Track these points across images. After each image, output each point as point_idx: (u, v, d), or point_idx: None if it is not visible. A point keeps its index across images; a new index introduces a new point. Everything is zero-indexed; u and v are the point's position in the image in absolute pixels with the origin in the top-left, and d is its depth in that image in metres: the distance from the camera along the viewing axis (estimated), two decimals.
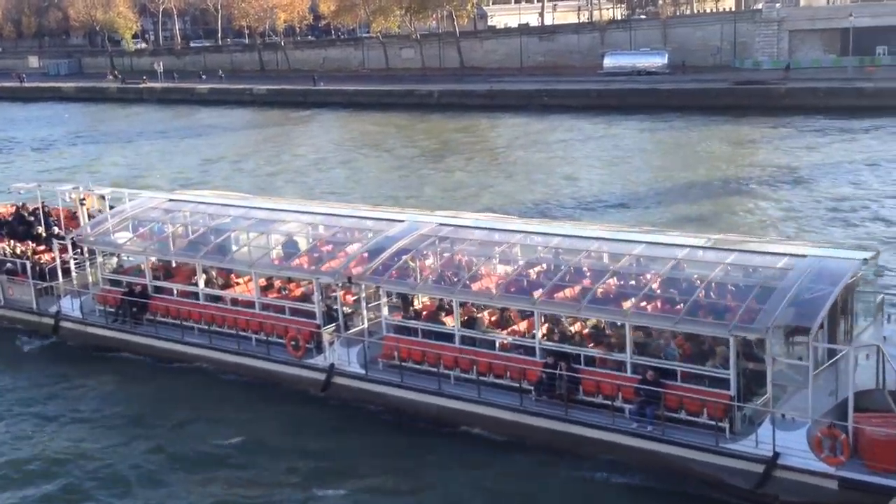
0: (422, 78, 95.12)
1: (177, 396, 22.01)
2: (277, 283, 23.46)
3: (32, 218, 31.43)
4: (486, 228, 22.72)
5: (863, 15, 79.60)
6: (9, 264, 27.83)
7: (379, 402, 20.16)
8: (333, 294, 21.55)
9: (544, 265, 20.66)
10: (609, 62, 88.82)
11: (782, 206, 39.19)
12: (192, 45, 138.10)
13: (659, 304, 18.04)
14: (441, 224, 22.52)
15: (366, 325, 21.34)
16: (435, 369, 19.53)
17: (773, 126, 60.72)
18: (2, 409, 21.95)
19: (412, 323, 20.64)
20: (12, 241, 29.18)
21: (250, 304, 23.05)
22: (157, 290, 24.84)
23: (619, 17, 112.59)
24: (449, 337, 19.85)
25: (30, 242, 29.20)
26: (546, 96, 77.95)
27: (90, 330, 25.56)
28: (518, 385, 18.33)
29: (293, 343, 21.54)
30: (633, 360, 17.48)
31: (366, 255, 21.71)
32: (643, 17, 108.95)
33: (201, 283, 23.95)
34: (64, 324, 26.05)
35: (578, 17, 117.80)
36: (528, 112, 73.96)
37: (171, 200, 27.57)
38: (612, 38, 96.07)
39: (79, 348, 25.32)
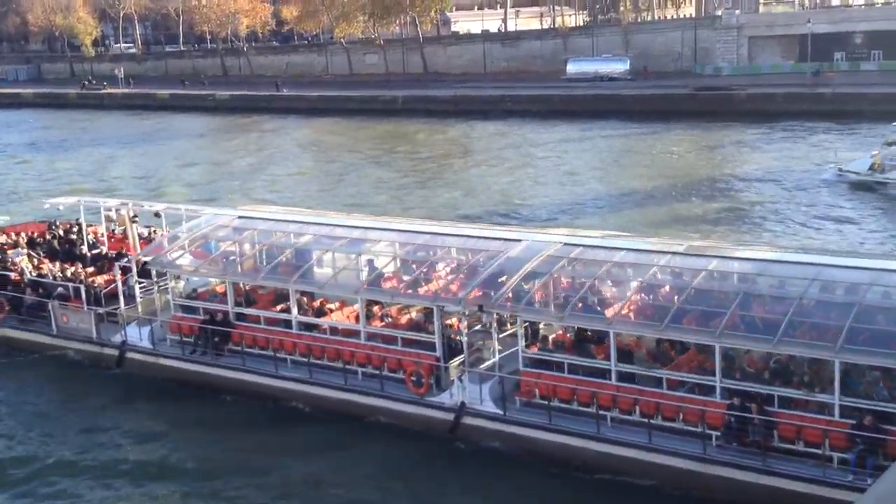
0: (385, 83, 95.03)
1: (281, 440, 19.09)
2: (376, 310, 21.30)
3: (73, 236, 29.09)
4: (622, 249, 20.23)
5: (820, 21, 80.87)
6: (60, 289, 24.96)
7: (519, 446, 17.87)
8: (447, 322, 19.71)
9: (692, 290, 18.09)
10: (572, 68, 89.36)
11: (736, 208, 39.62)
12: (152, 49, 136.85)
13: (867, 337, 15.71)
14: (568, 244, 20.11)
15: (496, 358, 19.02)
16: (589, 409, 17.34)
17: (733, 130, 61.48)
18: (69, 454, 18.93)
19: (560, 356, 18.37)
20: (58, 263, 26.63)
21: (352, 334, 20.68)
22: (239, 317, 22.26)
23: (582, 24, 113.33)
24: (602, 373, 17.72)
25: (79, 264, 26.64)
26: (510, 102, 78.19)
27: (163, 362, 22.83)
28: (698, 430, 16.06)
29: (414, 378, 19.18)
30: (841, 402, 15.28)
31: (490, 279, 19.46)
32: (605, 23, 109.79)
33: (295, 311, 21.39)
34: (131, 355, 23.24)
35: (541, 24, 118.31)
36: (491, 117, 74.13)
37: (240, 218, 24.98)
38: (575, 44, 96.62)
39: (149, 382, 22.54)
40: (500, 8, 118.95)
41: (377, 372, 19.66)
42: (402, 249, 22.17)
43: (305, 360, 20.54)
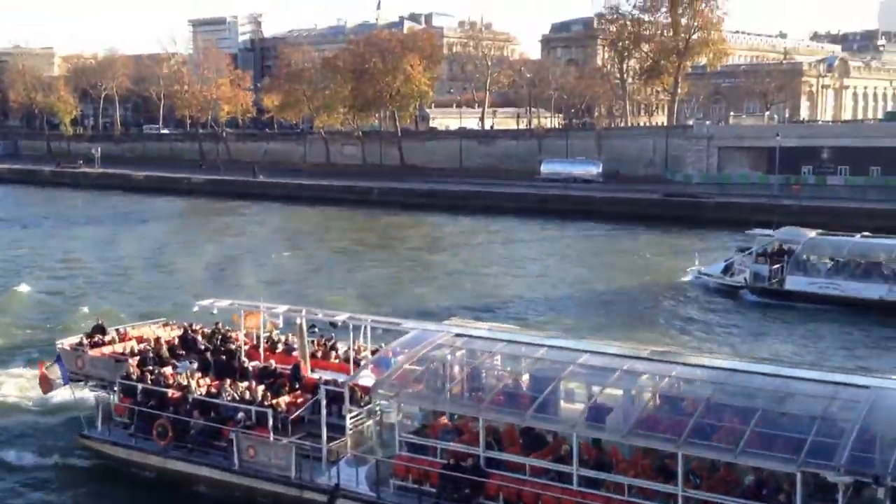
0: (362, 174, 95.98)
1: None
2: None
3: (220, 344, 25.67)
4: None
5: (788, 135, 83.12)
6: (241, 413, 20.71)
7: None
8: None
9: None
10: (546, 169, 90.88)
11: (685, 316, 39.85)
12: (131, 131, 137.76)
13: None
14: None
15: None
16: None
17: (698, 237, 62.15)
18: None
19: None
20: (227, 380, 22.33)
21: (648, 494, 16.56)
22: (490, 462, 17.99)
23: (557, 126, 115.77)
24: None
25: (248, 382, 22.47)
26: (484, 198, 79.13)
27: None
28: None
29: None
30: None
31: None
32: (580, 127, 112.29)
33: (576, 460, 17.06)
34: (344, 502, 19.06)
35: (517, 124, 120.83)
36: (466, 213, 74.84)
37: (459, 336, 20.70)
38: (550, 145, 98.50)
39: None
40: (478, 107, 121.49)
41: None
42: (694, 387, 18.46)
43: None
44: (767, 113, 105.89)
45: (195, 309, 26.18)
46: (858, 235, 42.48)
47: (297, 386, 22.33)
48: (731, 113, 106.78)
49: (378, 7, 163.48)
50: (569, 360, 18.84)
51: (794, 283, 41.03)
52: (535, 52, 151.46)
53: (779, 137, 79.77)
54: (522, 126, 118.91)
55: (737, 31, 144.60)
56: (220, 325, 26.67)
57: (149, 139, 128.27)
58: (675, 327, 37.17)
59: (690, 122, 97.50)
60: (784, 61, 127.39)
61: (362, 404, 20.25)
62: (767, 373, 18.30)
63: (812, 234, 43.01)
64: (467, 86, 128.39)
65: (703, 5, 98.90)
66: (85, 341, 26.80)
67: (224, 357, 24.48)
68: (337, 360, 24.36)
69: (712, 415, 16.88)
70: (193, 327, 27.24)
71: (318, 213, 77.68)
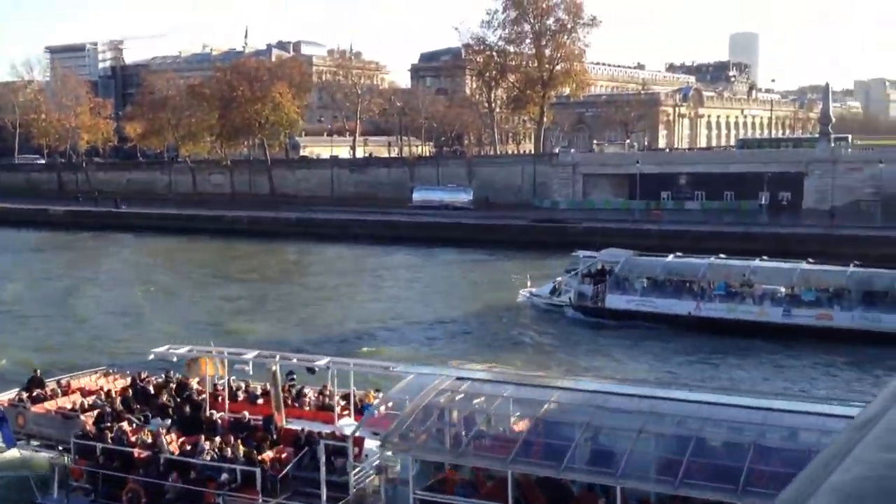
0: (232, 204, 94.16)
1: None
2: None
3: (169, 395, 23.51)
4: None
5: (648, 163, 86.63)
6: (225, 474, 18.91)
7: None
8: None
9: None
10: (418, 196, 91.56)
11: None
12: None
13: None
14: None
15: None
16: None
17: (564, 260, 63.61)
18: None
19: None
20: (202, 436, 20.21)
21: None
22: None
23: (428, 154, 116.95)
24: None
25: (231, 438, 20.37)
26: (356, 227, 78.95)
27: None
28: None
29: None
30: None
31: None
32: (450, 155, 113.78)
33: None
34: None
35: (389, 152, 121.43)
36: (337, 242, 74.44)
37: (459, 379, 19.33)
38: (421, 173, 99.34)
39: None
40: (350, 135, 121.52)
41: None
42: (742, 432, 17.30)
43: None
44: (628, 141, 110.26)
45: (150, 357, 23.62)
46: (671, 256, 44.87)
47: (275, 439, 20.60)
48: (595, 141, 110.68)
49: (245, 35, 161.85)
50: (588, 403, 17.64)
51: (612, 301, 43.18)
52: (404, 81, 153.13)
53: (639, 164, 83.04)
54: (394, 154, 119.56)
55: (598, 63, 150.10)
56: (171, 372, 24.56)
57: (2, 169, 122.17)
58: (503, 347, 38.32)
59: (556, 151, 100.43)
60: (642, 91, 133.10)
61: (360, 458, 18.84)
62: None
63: (630, 254, 45.49)
64: (338, 114, 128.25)
65: (566, 38, 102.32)
66: (24, 396, 24.05)
67: (188, 409, 22.37)
68: (308, 408, 22.69)
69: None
70: (142, 376, 25.10)
71: (185, 244, 75.65)
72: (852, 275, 39.87)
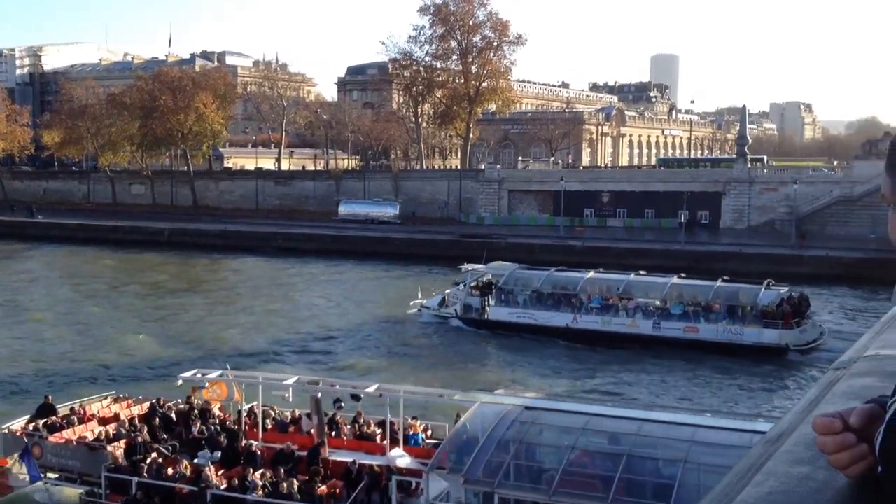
0: (153, 215, 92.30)
1: None
2: None
3: (213, 425, 21.95)
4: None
5: (572, 180, 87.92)
6: None
7: None
8: None
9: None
10: (344, 209, 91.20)
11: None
12: None
13: None
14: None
15: None
16: None
17: None
18: None
19: None
20: (249, 469, 18.94)
21: None
22: None
23: (354, 167, 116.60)
24: None
25: (281, 471, 19.01)
26: (280, 239, 78.19)
27: None
28: None
29: None
30: None
31: None
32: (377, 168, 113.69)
33: None
34: None
35: (315, 165, 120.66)
36: (261, 254, 73.54)
37: (528, 409, 18.47)
38: (347, 186, 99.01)
39: None
40: (275, 147, 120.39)
41: None
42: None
43: None
44: (552, 158, 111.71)
45: (179, 382, 22.49)
46: (553, 269, 46.43)
47: (325, 472, 19.49)
48: (520, 157, 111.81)
49: (169, 44, 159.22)
50: (671, 436, 17.05)
51: (495, 313, 44.56)
52: (331, 94, 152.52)
53: (563, 181, 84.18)
54: (320, 167, 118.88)
55: (524, 81, 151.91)
56: (192, 398, 23.28)
57: None
58: (391, 357, 39.31)
59: (482, 166, 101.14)
60: (567, 110, 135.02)
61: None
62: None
63: (516, 267, 46.99)
64: (263, 126, 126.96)
65: (492, 55, 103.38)
66: (39, 425, 22.29)
67: (223, 438, 20.91)
68: (345, 437, 21.60)
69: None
70: (161, 402, 23.65)
71: (103, 255, 73.77)
72: (718, 290, 41.71)
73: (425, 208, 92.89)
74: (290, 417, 22.55)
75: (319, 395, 20.40)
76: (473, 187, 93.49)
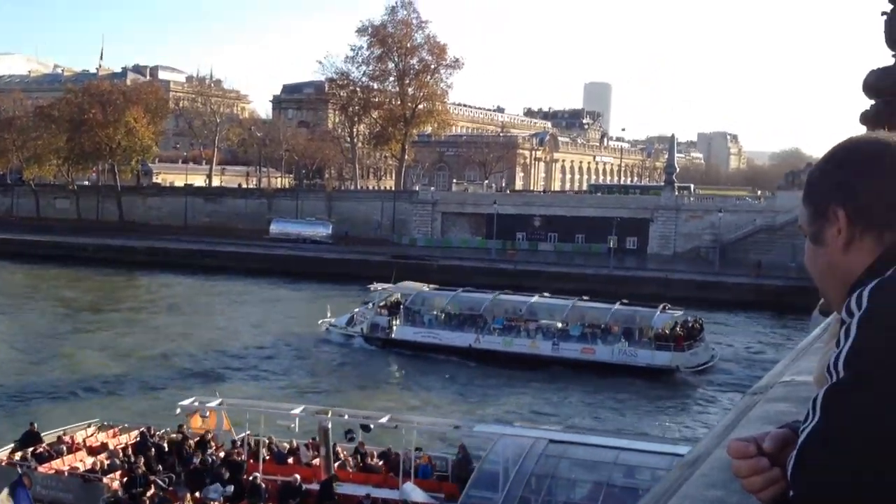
0: (78, 230, 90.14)
1: None
2: None
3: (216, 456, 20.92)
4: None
5: (505, 204, 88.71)
6: None
7: None
8: None
9: None
10: (276, 228, 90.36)
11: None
12: None
13: None
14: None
15: None
16: None
17: None
18: None
19: None
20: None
21: None
22: None
23: (287, 186, 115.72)
24: None
25: None
26: (208, 257, 77.06)
27: None
28: None
29: None
30: None
31: None
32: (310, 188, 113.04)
33: None
34: None
35: (247, 183, 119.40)
36: (188, 273, 72.30)
37: (553, 442, 18.23)
38: (280, 205, 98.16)
39: None
40: (206, 163, 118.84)
41: None
42: None
43: None
44: (486, 181, 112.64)
45: (177, 411, 21.75)
46: (460, 290, 47.27)
47: None
48: (454, 180, 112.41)
49: (101, 57, 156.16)
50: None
51: (401, 332, 45.15)
52: (266, 112, 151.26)
53: (496, 205, 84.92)
54: (252, 185, 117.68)
55: (459, 104, 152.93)
56: (184, 427, 22.55)
57: None
58: (296, 375, 39.45)
59: (416, 188, 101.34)
60: (501, 134, 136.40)
61: None
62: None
63: (424, 287, 47.84)
64: (195, 142, 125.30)
65: (429, 78, 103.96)
66: (27, 454, 21.24)
67: (225, 471, 20.13)
68: (350, 469, 20.72)
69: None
70: (152, 431, 22.90)
71: (19, 270, 71.78)
72: (615, 312, 42.91)
73: (359, 229, 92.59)
74: (287, 448, 21.85)
75: (329, 424, 19.62)
76: (407, 209, 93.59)
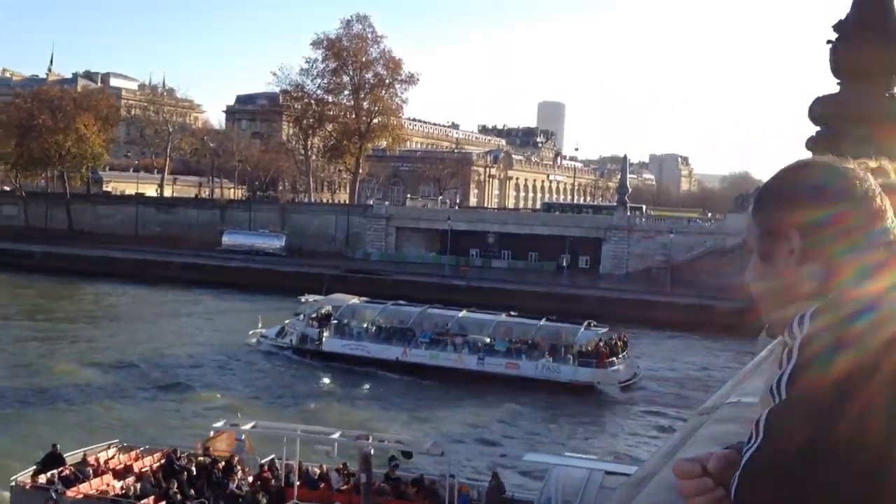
0: (24, 237, 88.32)
1: None
2: None
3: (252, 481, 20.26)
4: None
5: (459, 220, 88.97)
6: None
7: None
8: None
9: None
10: (227, 240, 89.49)
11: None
12: None
13: None
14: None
15: None
16: None
17: None
18: None
19: None
20: None
21: None
22: None
23: (240, 198, 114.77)
24: None
25: None
26: (158, 268, 76.03)
27: None
28: None
29: None
30: None
31: None
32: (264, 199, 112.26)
33: None
34: None
35: (199, 193, 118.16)
36: (137, 283, 71.19)
37: (609, 474, 17.77)
38: (233, 216, 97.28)
39: None
40: (158, 173, 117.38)
41: None
42: None
43: None
44: (441, 197, 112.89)
45: (211, 434, 21.06)
46: (390, 303, 47.74)
47: None
48: (409, 195, 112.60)
49: (51, 62, 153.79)
50: None
51: (330, 344, 45.23)
52: (219, 122, 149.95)
53: (450, 221, 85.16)
54: (205, 195, 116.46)
55: (414, 119, 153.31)
56: (210, 448, 22.02)
57: None
58: (220, 388, 38.90)
59: (371, 202, 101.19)
60: (456, 150, 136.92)
61: None
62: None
63: (354, 300, 48.07)
64: (147, 151, 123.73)
65: (384, 92, 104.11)
66: (54, 477, 20.39)
67: (262, 497, 19.55)
68: (389, 497, 19.89)
69: None
70: (178, 454, 22.16)
71: None
72: (541, 328, 43.48)
73: (312, 242, 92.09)
74: (317, 473, 21.25)
75: (371, 450, 18.87)
76: (361, 223, 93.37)
